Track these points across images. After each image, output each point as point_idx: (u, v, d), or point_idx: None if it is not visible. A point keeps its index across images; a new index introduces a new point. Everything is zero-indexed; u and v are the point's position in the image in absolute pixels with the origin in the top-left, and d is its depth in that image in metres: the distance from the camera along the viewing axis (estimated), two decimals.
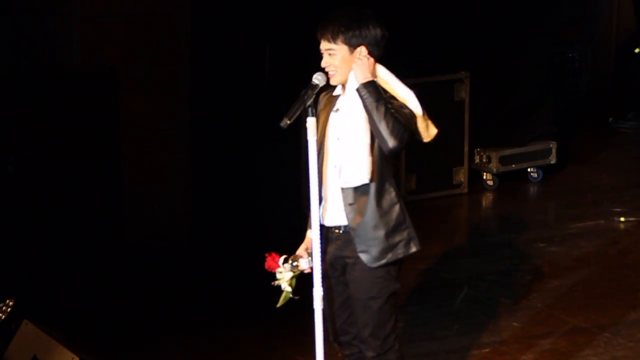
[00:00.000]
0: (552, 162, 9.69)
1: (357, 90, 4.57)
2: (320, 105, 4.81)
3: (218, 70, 8.86)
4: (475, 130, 9.36)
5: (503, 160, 9.46)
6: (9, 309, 5.37)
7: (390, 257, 4.68)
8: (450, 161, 9.24)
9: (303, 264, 4.72)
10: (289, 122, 4.58)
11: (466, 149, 9.28)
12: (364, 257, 4.68)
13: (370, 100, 4.54)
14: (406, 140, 4.56)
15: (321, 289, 4.62)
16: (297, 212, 7.93)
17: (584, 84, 12.07)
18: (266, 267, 4.80)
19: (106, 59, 7.49)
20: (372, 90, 4.55)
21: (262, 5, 8.98)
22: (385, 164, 4.65)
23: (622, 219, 8.56)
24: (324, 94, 4.83)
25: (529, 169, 9.67)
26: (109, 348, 6.26)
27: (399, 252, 4.70)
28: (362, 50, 4.61)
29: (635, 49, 11.99)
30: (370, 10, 4.68)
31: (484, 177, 9.50)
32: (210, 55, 8.72)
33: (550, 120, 9.80)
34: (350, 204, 4.67)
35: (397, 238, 4.69)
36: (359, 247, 4.68)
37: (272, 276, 4.80)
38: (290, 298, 4.75)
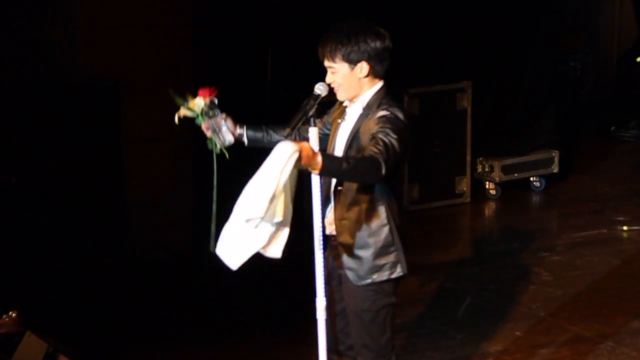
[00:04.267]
0: (554, 171, 9.69)
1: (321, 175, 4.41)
2: (334, 115, 4.81)
3: (220, 79, 8.85)
4: (477, 140, 9.36)
5: (505, 170, 9.46)
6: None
7: (375, 277, 4.64)
8: (452, 170, 9.25)
9: (218, 115, 4.86)
10: (290, 131, 4.61)
11: (469, 158, 9.28)
12: (349, 274, 4.68)
13: (337, 173, 4.39)
14: (390, 163, 4.34)
15: (324, 298, 4.62)
16: (299, 220, 7.92)
17: (586, 93, 12.07)
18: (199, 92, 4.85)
19: (109, 70, 7.51)
20: (330, 167, 4.31)
21: (263, 13, 8.99)
22: (377, 184, 4.58)
23: (625, 227, 8.56)
24: (338, 103, 4.82)
25: (531, 178, 9.66)
26: (112, 359, 6.26)
27: (385, 274, 4.65)
28: (363, 65, 4.55)
29: (637, 57, 12.00)
30: (370, 23, 4.61)
31: (487, 186, 9.50)
32: (212, 64, 8.73)
33: (552, 129, 9.80)
34: (341, 220, 4.67)
35: (383, 260, 4.65)
36: (346, 264, 4.68)
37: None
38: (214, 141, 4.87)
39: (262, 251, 4.56)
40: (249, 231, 4.48)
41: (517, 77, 9.57)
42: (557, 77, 10.77)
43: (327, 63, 4.59)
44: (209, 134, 4.96)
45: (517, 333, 6.57)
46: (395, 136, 4.40)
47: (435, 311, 6.92)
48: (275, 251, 4.55)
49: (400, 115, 4.50)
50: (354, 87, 4.60)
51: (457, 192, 9.30)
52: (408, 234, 4.77)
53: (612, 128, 11.49)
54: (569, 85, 11.91)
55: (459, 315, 6.88)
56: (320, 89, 4.62)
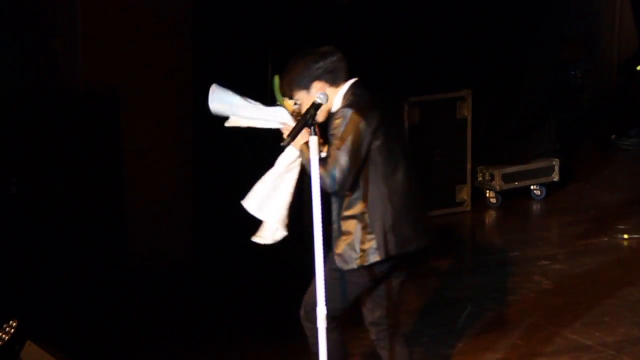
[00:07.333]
0: (555, 179, 9.70)
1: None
2: None
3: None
4: (478, 148, 9.36)
5: (506, 178, 9.46)
6: (12, 330, 5.37)
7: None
8: (453, 179, 9.25)
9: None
10: (290, 140, 4.63)
11: (469, 166, 9.28)
12: None
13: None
14: (342, 173, 4.77)
15: (324, 307, 4.62)
16: (300, 229, 7.92)
17: (586, 101, 12.08)
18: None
19: (109, 79, 7.51)
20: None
21: (264, 20, 9.00)
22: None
23: (625, 236, 8.55)
24: None
25: (532, 187, 9.67)
26: None
27: None
28: (316, 86, 4.86)
29: (637, 66, 12.01)
30: (310, 49, 4.96)
31: (487, 194, 9.51)
32: (213, 73, 8.73)
33: (552, 137, 9.80)
34: None
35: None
36: None
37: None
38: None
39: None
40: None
41: (517, 85, 9.58)
42: (558, 86, 10.78)
43: (293, 99, 4.95)
44: None
45: (518, 342, 6.56)
46: (343, 145, 4.73)
47: (435, 320, 6.92)
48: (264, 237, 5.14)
49: (348, 114, 4.76)
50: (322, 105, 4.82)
51: (457, 200, 9.30)
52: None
53: (613, 136, 11.50)
54: (570, 94, 11.91)
55: (459, 324, 6.87)
56: (320, 98, 4.66)
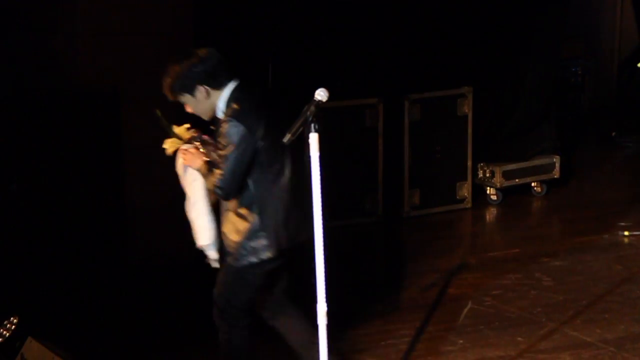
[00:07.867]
0: (555, 176, 9.70)
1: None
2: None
3: None
4: (478, 145, 9.37)
5: (506, 175, 9.46)
6: (13, 327, 5.38)
7: None
8: (453, 176, 9.25)
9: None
10: (291, 137, 4.63)
11: (469, 163, 9.29)
12: None
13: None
14: (228, 181, 5.08)
15: (325, 304, 4.62)
16: None
17: (587, 99, 12.08)
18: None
19: (109, 77, 7.51)
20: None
21: (264, 23, 9.00)
22: None
23: (626, 233, 8.56)
24: None
25: (532, 184, 9.67)
26: None
27: None
28: (199, 89, 5.08)
29: (637, 63, 12.01)
30: (187, 52, 5.16)
31: (488, 191, 9.51)
32: None
33: (553, 134, 9.81)
34: None
35: None
36: None
37: None
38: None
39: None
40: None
41: (518, 82, 9.58)
42: (558, 83, 10.78)
43: (180, 101, 5.20)
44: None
45: (519, 338, 6.56)
46: (231, 156, 5.01)
47: (436, 317, 6.92)
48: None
49: (234, 128, 4.98)
50: (207, 107, 5.16)
51: (458, 197, 9.31)
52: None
53: (613, 134, 11.50)
54: (570, 91, 11.92)
55: (460, 320, 6.88)
56: (320, 95, 4.65)
